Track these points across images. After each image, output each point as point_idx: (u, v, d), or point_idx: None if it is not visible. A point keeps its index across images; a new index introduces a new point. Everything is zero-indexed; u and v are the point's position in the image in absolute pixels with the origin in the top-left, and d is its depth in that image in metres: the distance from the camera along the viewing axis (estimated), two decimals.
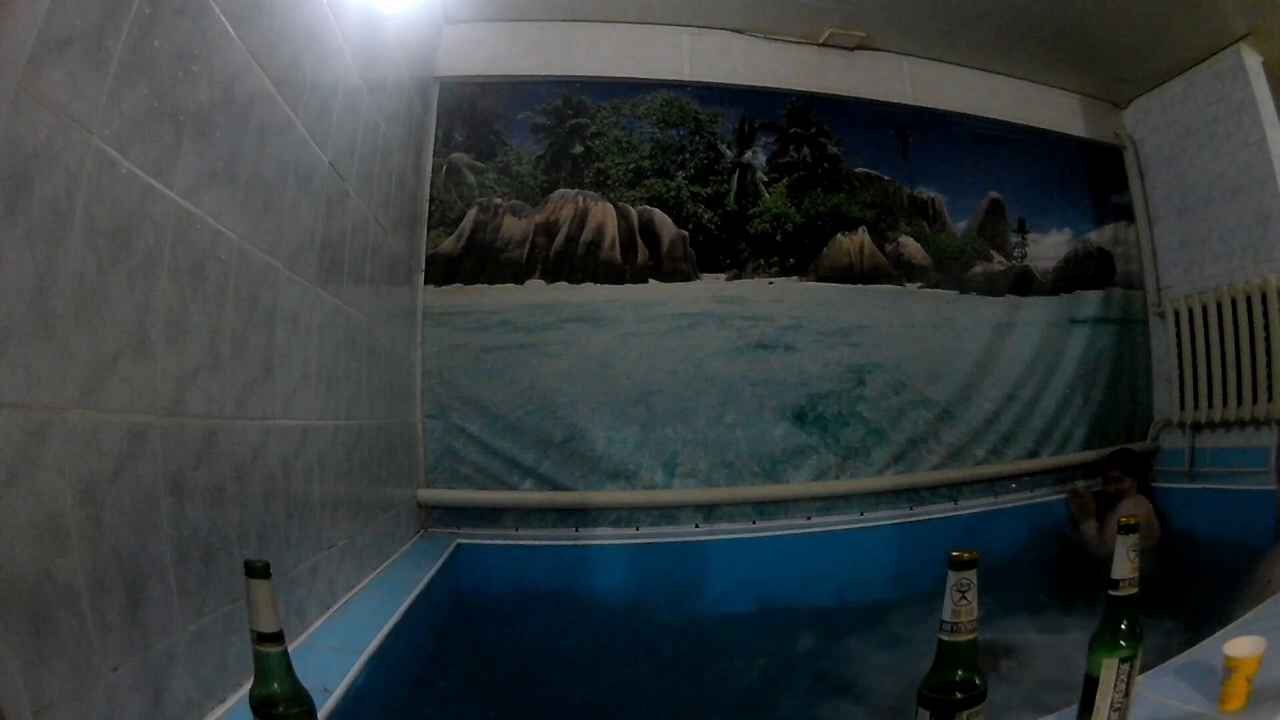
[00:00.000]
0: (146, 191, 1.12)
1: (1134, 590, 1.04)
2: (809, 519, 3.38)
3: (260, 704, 0.91)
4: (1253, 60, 3.75)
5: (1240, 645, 1.14)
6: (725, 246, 3.45)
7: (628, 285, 3.33)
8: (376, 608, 1.98)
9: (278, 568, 1.27)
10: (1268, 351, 3.73)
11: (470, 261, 3.23)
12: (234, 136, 1.40)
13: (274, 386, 1.61)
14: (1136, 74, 4.01)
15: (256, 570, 0.89)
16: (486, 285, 3.24)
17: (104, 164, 1.02)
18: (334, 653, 1.61)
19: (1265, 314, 3.73)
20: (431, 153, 3.24)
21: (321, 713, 1.16)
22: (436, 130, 3.26)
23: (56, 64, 0.91)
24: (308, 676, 0.96)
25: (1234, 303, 3.84)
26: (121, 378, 1.07)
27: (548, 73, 3.35)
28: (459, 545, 2.96)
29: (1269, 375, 3.72)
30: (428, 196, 3.21)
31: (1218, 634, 1.49)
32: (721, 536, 3.26)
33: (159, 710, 1.13)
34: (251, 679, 0.92)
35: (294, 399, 1.73)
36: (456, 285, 3.22)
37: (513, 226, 3.28)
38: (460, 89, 3.29)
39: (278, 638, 0.91)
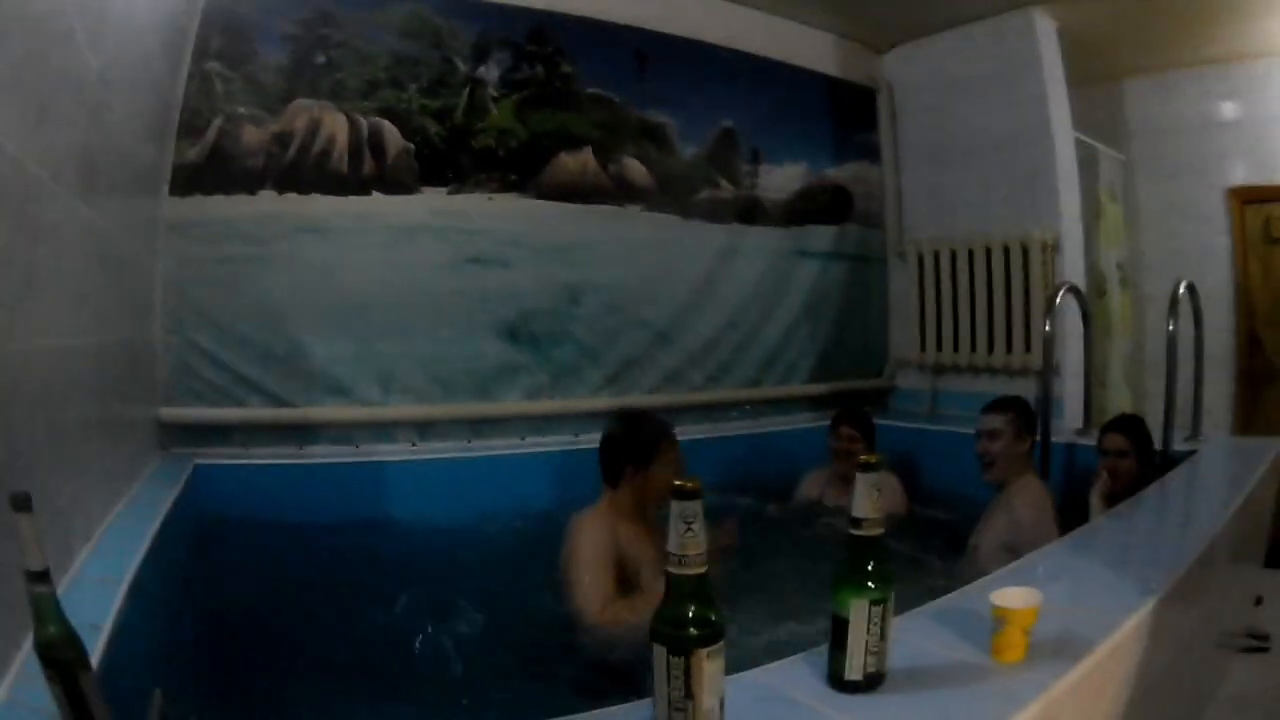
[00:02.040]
0: None
1: (879, 530, 1.03)
2: (523, 439, 3.42)
3: (42, 650, 0.85)
4: (1045, 23, 3.77)
5: (1010, 596, 1.12)
6: (449, 160, 3.44)
7: (351, 197, 3.29)
8: (130, 534, 1.91)
9: (43, 498, 1.22)
10: (1027, 304, 3.77)
11: (211, 172, 3.17)
12: (20, 47, 1.36)
13: (34, 305, 1.52)
14: (901, 22, 3.97)
15: (18, 502, 0.82)
16: (223, 196, 3.18)
17: None
18: (99, 585, 1.53)
19: (1026, 267, 3.75)
20: (189, 61, 3.14)
21: (95, 652, 1.11)
22: (195, 37, 3.16)
23: None
24: (80, 613, 0.92)
25: (989, 252, 3.87)
26: None
27: None
28: (197, 466, 2.90)
29: (1027, 327, 3.77)
30: (179, 105, 3.13)
31: (980, 581, 1.48)
32: (436, 456, 3.27)
33: None
34: None
35: (52, 318, 1.65)
36: (197, 196, 3.15)
37: (252, 136, 3.22)
38: None
39: (44, 576, 0.85)
